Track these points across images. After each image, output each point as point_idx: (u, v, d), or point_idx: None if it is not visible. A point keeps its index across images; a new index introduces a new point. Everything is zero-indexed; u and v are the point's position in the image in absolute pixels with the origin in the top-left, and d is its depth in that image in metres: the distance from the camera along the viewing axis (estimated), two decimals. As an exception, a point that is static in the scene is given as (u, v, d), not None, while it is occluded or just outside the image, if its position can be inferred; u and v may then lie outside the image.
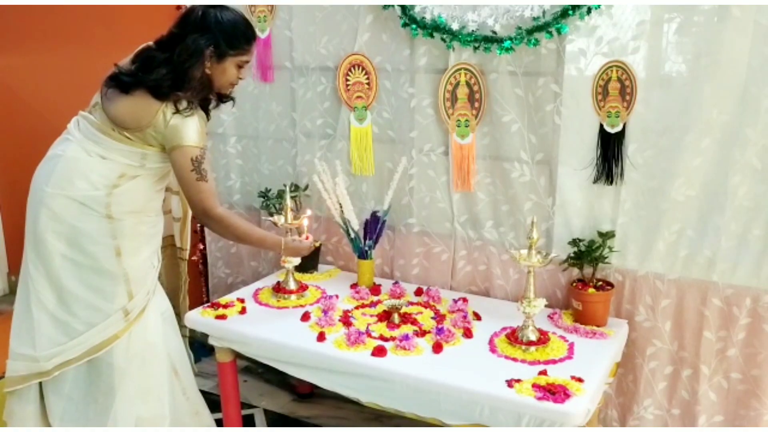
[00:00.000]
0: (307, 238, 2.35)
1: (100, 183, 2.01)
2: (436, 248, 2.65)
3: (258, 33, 2.80)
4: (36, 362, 2.07)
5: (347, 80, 2.68)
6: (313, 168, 2.76)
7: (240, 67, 2.09)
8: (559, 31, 2.20)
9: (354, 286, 2.64)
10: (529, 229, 2.06)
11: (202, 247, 3.20)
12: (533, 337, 2.10)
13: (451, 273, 2.64)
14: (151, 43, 2.08)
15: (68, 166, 2.04)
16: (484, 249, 2.56)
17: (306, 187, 2.79)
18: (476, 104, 2.43)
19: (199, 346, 2.82)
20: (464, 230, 2.58)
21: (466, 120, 2.46)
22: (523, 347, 2.08)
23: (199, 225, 3.19)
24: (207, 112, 2.17)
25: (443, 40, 2.40)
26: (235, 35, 2.03)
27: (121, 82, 2.00)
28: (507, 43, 2.27)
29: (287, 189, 2.51)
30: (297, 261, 2.51)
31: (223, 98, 2.23)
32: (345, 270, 2.86)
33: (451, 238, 2.61)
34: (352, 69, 2.65)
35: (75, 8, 3.15)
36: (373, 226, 2.62)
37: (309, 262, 2.77)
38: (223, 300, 2.50)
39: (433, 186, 2.60)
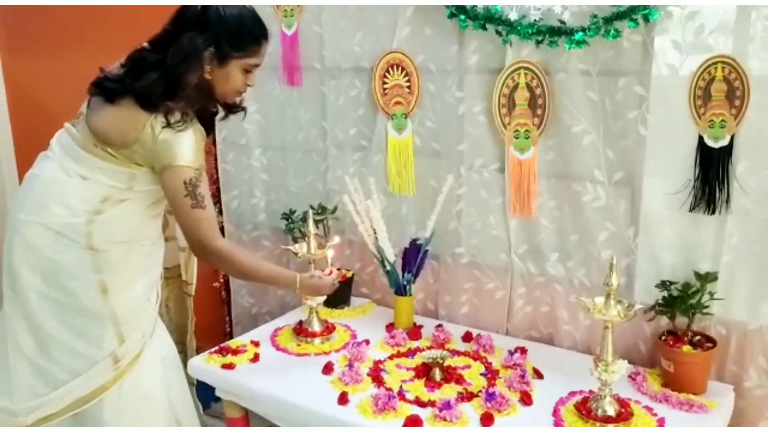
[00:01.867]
0: (330, 273, 1.95)
1: (80, 208, 1.71)
2: (489, 284, 2.21)
3: (284, 29, 2.44)
4: (14, 417, 1.79)
5: (384, 83, 2.27)
6: (345, 185, 2.36)
7: (247, 71, 1.75)
8: (647, 18, 1.74)
9: (390, 327, 2.23)
10: (608, 273, 1.60)
11: (223, 273, 2.84)
12: (611, 410, 1.64)
13: (507, 314, 2.19)
14: (146, 43, 1.75)
15: (44, 189, 1.75)
16: (548, 287, 2.10)
17: (335, 210, 2.39)
18: (539, 111, 1.98)
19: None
20: (523, 263, 2.13)
21: (527, 130, 2.01)
22: (598, 424, 1.61)
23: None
24: (211, 124, 1.86)
25: (498, 33, 1.96)
26: (240, 33, 1.69)
27: (105, 90, 1.70)
28: (579, 35, 1.81)
29: (310, 212, 2.12)
30: (321, 297, 2.11)
31: (232, 108, 1.90)
32: (382, 305, 2.45)
33: (507, 272, 2.16)
34: (390, 70, 2.24)
35: (92, 9, 2.90)
36: (413, 256, 2.20)
37: (339, 296, 2.37)
38: (234, 343, 2.13)
39: (485, 209, 2.16)
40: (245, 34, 1.70)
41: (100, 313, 1.74)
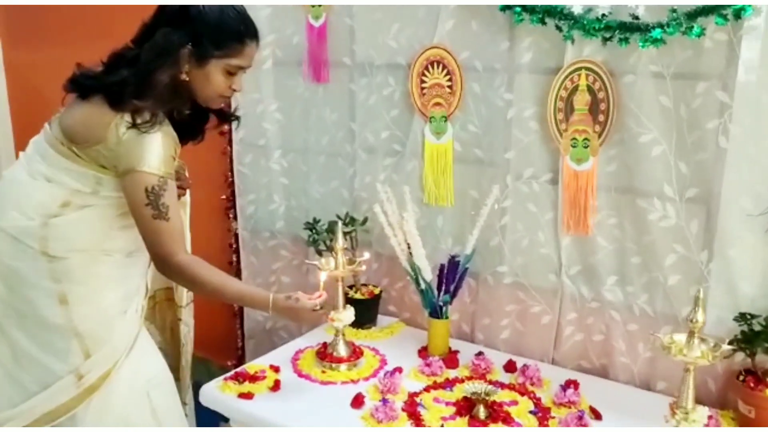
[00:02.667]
0: (318, 296, 1.67)
1: (35, 211, 1.59)
2: (535, 307, 1.99)
3: (311, 20, 2.22)
4: None
5: (423, 82, 2.05)
6: (374, 193, 2.15)
7: (231, 73, 1.60)
8: (738, 15, 1.51)
9: (423, 352, 2.02)
10: (692, 310, 1.38)
11: (237, 282, 2.63)
12: (690, 465, 1.42)
13: (555, 342, 1.98)
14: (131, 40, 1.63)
15: (5, 191, 1.66)
16: (603, 313, 1.88)
17: (365, 221, 2.17)
18: (601, 117, 1.76)
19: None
20: (575, 286, 1.91)
21: (586, 139, 1.79)
22: (676, 481, 1.40)
23: (234, 254, 2.64)
24: (200, 132, 1.75)
25: (559, 28, 1.74)
26: (221, 30, 1.55)
27: (79, 86, 1.59)
28: (656, 33, 1.59)
29: (339, 224, 1.90)
30: (349, 318, 1.90)
31: (224, 115, 1.78)
32: (411, 325, 2.23)
33: (555, 295, 1.95)
34: (430, 67, 2.02)
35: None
36: (451, 274, 1.98)
37: (366, 314, 2.16)
38: (252, 368, 1.91)
39: (533, 225, 1.94)
40: (227, 31, 1.56)
41: (61, 325, 1.60)
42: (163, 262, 1.58)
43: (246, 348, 2.69)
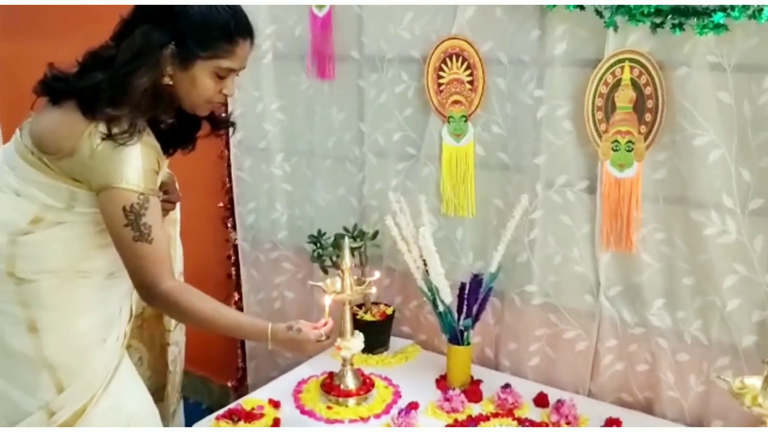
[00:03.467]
0: (324, 325, 1.47)
1: (1, 228, 1.42)
2: (569, 332, 1.76)
3: (314, 10, 2.00)
4: None
5: (440, 77, 1.82)
6: (385, 202, 1.92)
7: (221, 76, 1.40)
8: (820, -7, 1.27)
9: (442, 382, 1.80)
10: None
11: (237, 297, 2.42)
12: None
13: (592, 371, 1.74)
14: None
15: None
16: (648, 340, 1.65)
17: (375, 235, 1.94)
18: (648, 116, 1.53)
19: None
20: (616, 309, 1.68)
21: (630, 141, 1.56)
22: None
23: (233, 267, 2.42)
24: (188, 140, 1.56)
25: (599, 13, 1.51)
26: (208, 27, 1.36)
27: (50, 90, 1.41)
28: (718, 17, 1.35)
29: (346, 239, 1.67)
30: (358, 347, 1.68)
31: (217, 122, 1.58)
32: (428, 348, 2.01)
33: (593, 318, 1.71)
34: (448, 60, 1.79)
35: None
36: (474, 295, 1.75)
37: (377, 338, 1.94)
38: (248, 403, 1.69)
39: (567, 239, 1.71)
40: (214, 29, 1.36)
41: (29, 356, 1.42)
42: (146, 290, 1.40)
43: (248, 368, 2.47)
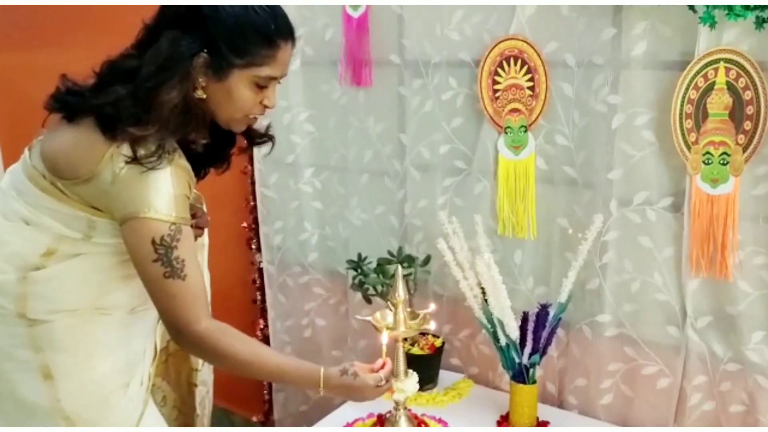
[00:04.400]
0: (382, 366, 1.33)
1: (10, 263, 1.25)
2: (649, 367, 1.57)
3: (349, 10, 1.80)
4: None
5: (496, 83, 1.63)
6: (431, 221, 1.73)
7: (260, 86, 1.24)
8: None
9: (504, 422, 1.60)
10: None
11: (262, 324, 2.22)
12: None
13: (676, 411, 1.55)
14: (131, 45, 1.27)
15: None
16: (744, 378, 1.46)
17: (427, 261, 1.74)
18: (747, 125, 1.34)
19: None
20: (705, 343, 1.48)
21: (725, 153, 1.36)
22: None
23: (258, 291, 2.22)
24: (222, 158, 1.40)
25: (692, 8, 1.31)
26: (244, 32, 1.19)
27: (65, 105, 1.23)
28: None
29: (399, 268, 1.47)
30: (413, 389, 1.48)
31: (255, 138, 1.40)
32: (481, 383, 1.82)
33: (677, 353, 1.52)
34: (505, 64, 1.60)
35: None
36: (541, 326, 1.56)
37: (426, 373, 1.74)
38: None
39: (647, 263, 1.52)
40: (251, 33, 1.20)
41: (44, 407, 1.28)
42: (179, 331, 1.23)
43: (274, 401, 2.27)
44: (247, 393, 2.37)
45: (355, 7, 1.81)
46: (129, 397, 1.33)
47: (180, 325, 1.21)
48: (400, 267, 1.49)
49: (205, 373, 1.60)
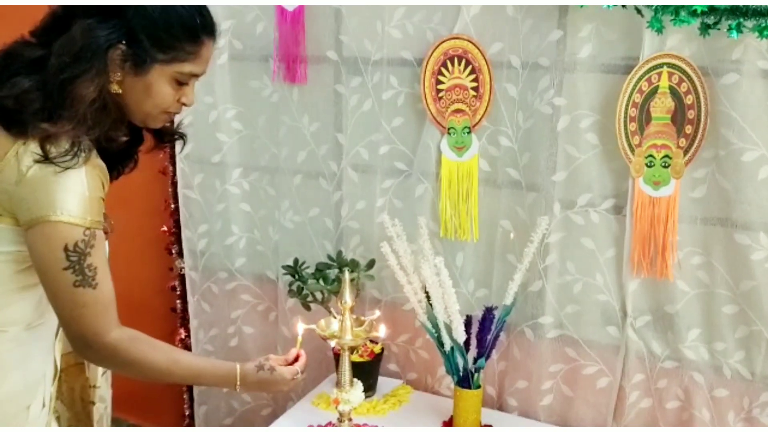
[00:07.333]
0: (296, 358, 1.33)
1: None
2: (589, 367, 1.59)
3: (282, 2, 1.72)
4: None
5: (439, 82, 1.60)
6: (368, 224, 1.69)
7: (180, 83, 1.16)
8: None
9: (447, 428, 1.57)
10: None
11: (183, 334, 2.08)
12: None
13: (615, 410, 1.57)
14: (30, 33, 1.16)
15: None
16: (681, 375, 1.50)
17: (371, 264, 1.68)
18: (688, 128, 1.37)
19: None
20: (644, 341, 1.52)
21: (666, 156, 1.40)
22: None
23: (179, 299, 2.09)
24: (130, 157, 1.29)
25: (639, 11, 1.34)
26: (168, 24, 1.11)
27: None
28: (787, 17, 1.21)
29: (347, 274, 1.41)
30: (359, 399, 1.43)
31: (163, 136, 1.30)
32: (419, 389, 1.78)
33: (617, 352, 1.55)
34: (449, 64, 1.58)
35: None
36: (487, 330, 1.54)
37: (365, 380, 1.67)
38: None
39: (590, 265, 1.54)
40: (178, 27, 1.12)
41: None
42: (87, 344, 1.14)
43: (195, 416, 2.14)
44: (162, 406, 2.22)
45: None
46: (31, 420, 1.20)
47: (88, 336, 1.11)
48: (347, 272, 1.43)
49: (103, 390, 1.47)
